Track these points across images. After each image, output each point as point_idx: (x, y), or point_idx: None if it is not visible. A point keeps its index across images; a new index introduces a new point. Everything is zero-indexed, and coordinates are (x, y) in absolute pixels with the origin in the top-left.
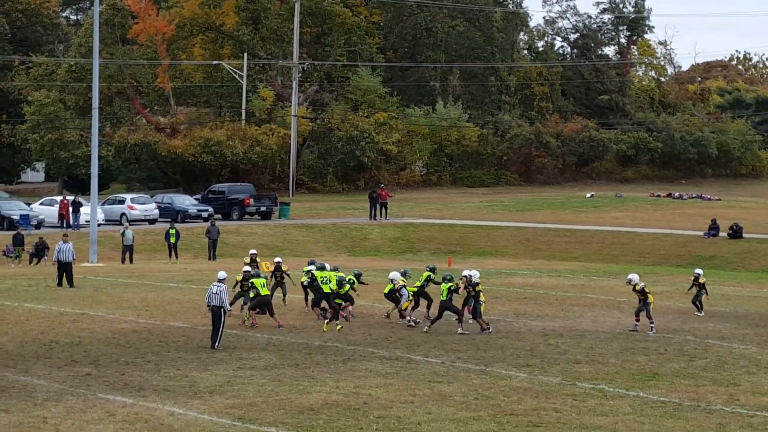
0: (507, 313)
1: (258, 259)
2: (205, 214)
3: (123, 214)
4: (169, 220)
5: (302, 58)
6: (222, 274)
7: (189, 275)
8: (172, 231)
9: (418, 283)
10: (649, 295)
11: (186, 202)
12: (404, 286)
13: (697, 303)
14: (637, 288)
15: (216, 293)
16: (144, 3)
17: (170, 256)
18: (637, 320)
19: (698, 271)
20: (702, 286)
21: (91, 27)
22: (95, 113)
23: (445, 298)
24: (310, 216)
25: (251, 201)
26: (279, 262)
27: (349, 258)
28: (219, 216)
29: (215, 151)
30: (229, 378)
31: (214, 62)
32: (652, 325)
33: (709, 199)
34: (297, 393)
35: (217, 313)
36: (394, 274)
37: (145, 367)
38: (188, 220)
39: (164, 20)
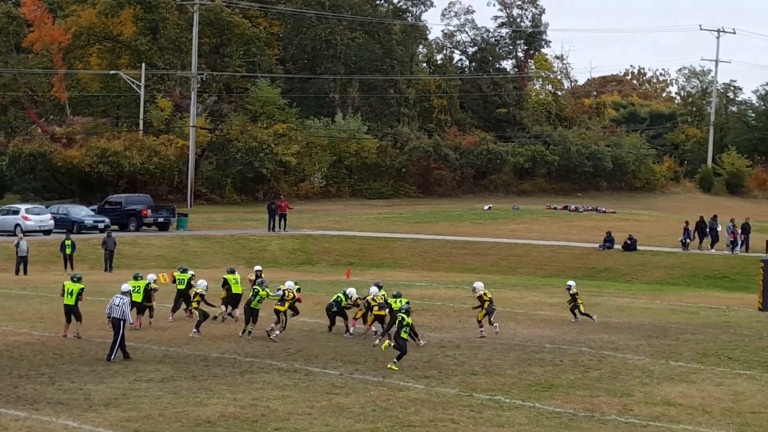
0: None
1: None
2: (101, 225)
3: (17, 224)
4: (64, 231)
5: (201, 69)
6: (126, 287)
7: (84, 287)
8: (68, 242)
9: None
10: (486, 303)
11: (82, 212)
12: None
13: (576, 312)
14: (478, 294)
15: (118, 305)
16: (40, 11)
17: (66, 267)
18: (482, 326)
19: (570, 282)
20: (573, 297)
21: None
22: None
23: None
24: (208, 227)
25: (148, 212)
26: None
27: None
28: (116, 227)
29: (112, 161)
30: (124, 390)
31: (112, 72)
32: (492, 327)
33: (605, 211)
34: (194, 405)
35: (117, 324)
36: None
37: (38, 380)
38: (84, 231)
39: (60, 29)
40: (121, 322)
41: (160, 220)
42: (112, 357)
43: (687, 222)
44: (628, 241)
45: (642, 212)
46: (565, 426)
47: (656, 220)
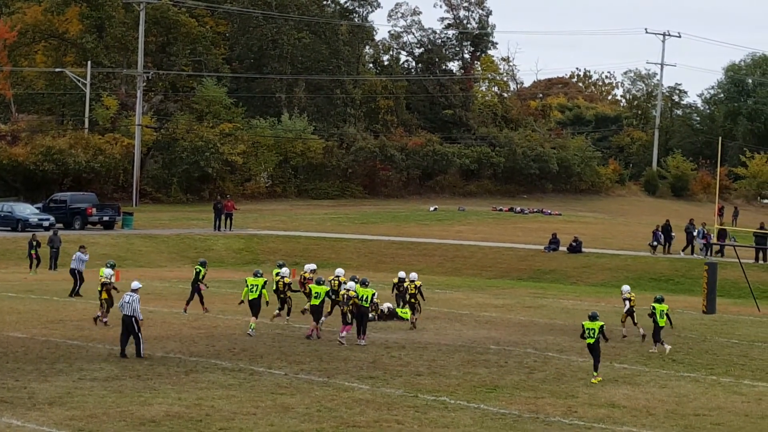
0: None
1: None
2: (46, 224)
3: None
4: (8, 228)
5: (147, 67)
6: (135, 284)
7: (29, 285)
8: (34, 242)
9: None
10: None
11: (27, 210)
12: None
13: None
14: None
15: (128, 302)
16: None
17: (31, 267)
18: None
19: (401, 274)
20: (405, 290)
21: None
22: None
23: (366, 306)
24: (154, 226)
25: (94, 210)
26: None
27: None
28: (61, 225)
29: (57, 159)
30: (69, 389)
31: (57, 69)
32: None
33: (550, 213)
34: (138, 405)
35: (128, 322)
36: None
37: None
38: (29, 229)
39: (6, 26)
40: (132, 319)
41: (106, 218)
42: (141, 353)
43: (657, 226)
44: (574, 243)
45: (587, 214)
46: (509, 427)
47: (601, 223)
